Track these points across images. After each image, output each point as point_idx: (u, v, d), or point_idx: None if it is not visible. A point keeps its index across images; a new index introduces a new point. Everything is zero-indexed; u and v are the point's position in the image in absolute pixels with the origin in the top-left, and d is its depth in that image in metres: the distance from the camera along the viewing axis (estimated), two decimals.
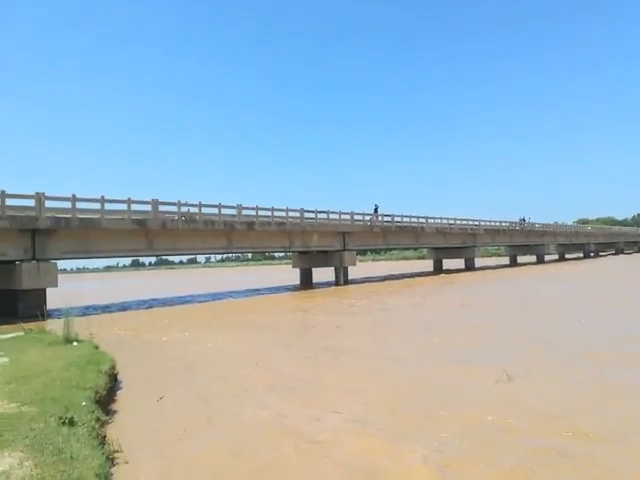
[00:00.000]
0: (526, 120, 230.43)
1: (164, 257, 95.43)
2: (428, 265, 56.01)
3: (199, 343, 13.19)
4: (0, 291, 23.71)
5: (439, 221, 46.79)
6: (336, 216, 36.49)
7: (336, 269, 36.98)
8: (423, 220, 44.74)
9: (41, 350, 10.23)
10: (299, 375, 8.99)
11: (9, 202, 21.57)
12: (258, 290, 34.51)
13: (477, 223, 51.98)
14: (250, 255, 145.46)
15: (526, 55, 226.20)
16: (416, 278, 41.36)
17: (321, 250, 36.56)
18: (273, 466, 5.10)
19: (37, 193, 22.28)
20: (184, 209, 27.49)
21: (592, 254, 78.37)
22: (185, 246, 28.50)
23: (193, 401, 7.65)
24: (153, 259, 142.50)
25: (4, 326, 16.67)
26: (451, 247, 50.32)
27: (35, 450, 4.67)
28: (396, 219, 42.05)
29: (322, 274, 39.78)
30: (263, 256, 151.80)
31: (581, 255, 77.60)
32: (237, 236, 30.43)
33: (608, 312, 15.91)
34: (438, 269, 52.21)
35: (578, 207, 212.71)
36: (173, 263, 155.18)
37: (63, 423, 5.36)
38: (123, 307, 25.94)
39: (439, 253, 52.67)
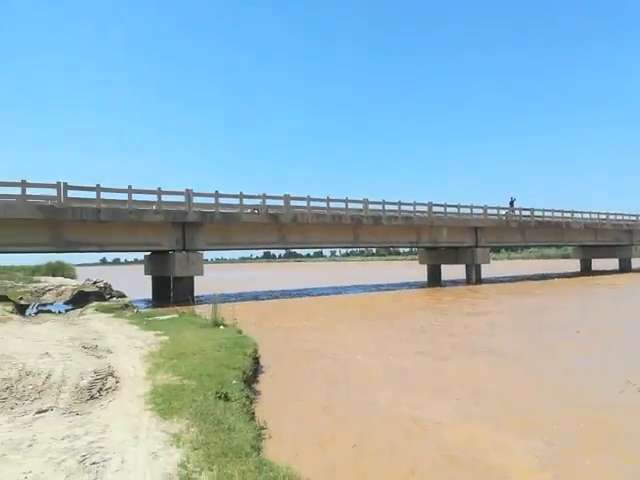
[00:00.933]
0: None
1: (292, 250, 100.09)
2: (574, 265, 50.82)
3: (325, 332, 13.65)
4: (157, 277, 27.01)
5: (587, 216, 42.28)
6: (467, 210, 34.90)
7: (467, 266, 35.35)
8: (568, 215, 40.80)
9: (194, 331, 11.45)
10: (415, 366, 8.86)
11: (165, 198, 24.38)
12: (383, 285, 34.52)
13: (635, 218, 46.02)
14: (374, 250, 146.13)
15: None
16: (560, 279, 37.83)
17: (450, 246, 35.32)
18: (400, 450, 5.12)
19: (187, 190, 24.84)
20: (313, 204, 28.49)
21: None
22: (313, 239, 29.58)
23: (324, 383, 7.97)
24: (283, 252, 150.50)
25: (161, 309, 18.97)
26: (602, 245, 45.18)
27: (198, 419, 5.26)
28: (536, 213, 38.85)
29: (451, 271, 38.30)
30: (387, 251, 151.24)
31: None
32: (363, 231, 30.76)
33: None
34: (586, 269, 47.19)
35: None
36: (301, 256, 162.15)
37: (219, 397, 5.96)
38: (255, 296, 27.81)
39: (587, 252, 47.61)
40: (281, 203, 27.57)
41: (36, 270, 40.76)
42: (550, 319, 15.85)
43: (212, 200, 25.61)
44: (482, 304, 21.22)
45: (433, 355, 10.41)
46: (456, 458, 5.13)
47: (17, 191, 20.72)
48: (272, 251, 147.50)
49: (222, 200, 25.82)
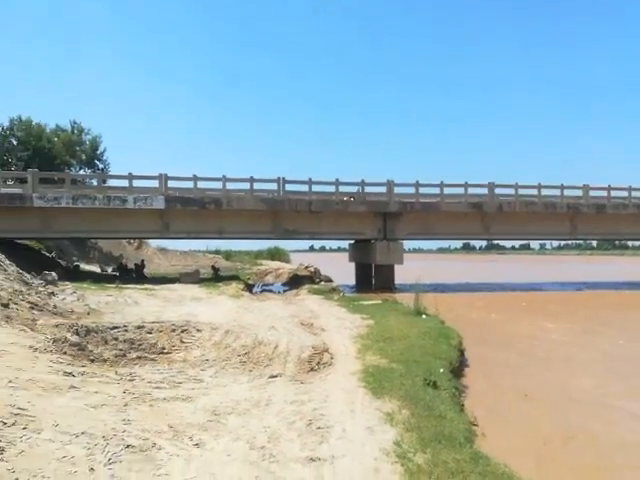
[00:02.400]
0: None
1: (495, 242, 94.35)
2: None
3: (533, 327, 12.51)
4: (360, 265, 28.48)
5: None
6: None
7: None
8: None
9: (396, 318, 11.77)
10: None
11: (368, 189, 25.50)
12: (611, 284, 29.96)
13: None
14: (594, 243, 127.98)
15: None
16: None
17: None
18: None
19: (388, 181, 25.48)
20: (522, 191, 26.29)
21: None
22: (521, 230, 27.32)
23: (534, 380, 7.33)
24: (483, 243, 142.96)
25: (364, 294, 19.96)
26: None
27: (408, 401, 5.41)
28: None
29: None
30: (612, 244, 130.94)
31: None
32: (582, 220, 27.10)
33: None
34: None
35: None
36: (504, 248, 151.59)
37: (427, 384, 6.02)
38: (455, 287, 27.01)
39: None
40: (485, 191, 26.17)
41: (258, 255, 47.11)
42: None
43: (412, 190, 25.78)
44: None
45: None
46: None
47: (246, 186, 24.14)
48: (472, 242, 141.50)
49: (422, 190, 25.78)
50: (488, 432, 5.46)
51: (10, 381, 5.04)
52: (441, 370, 6.83)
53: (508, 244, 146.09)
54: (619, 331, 12.76)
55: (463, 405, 6.04)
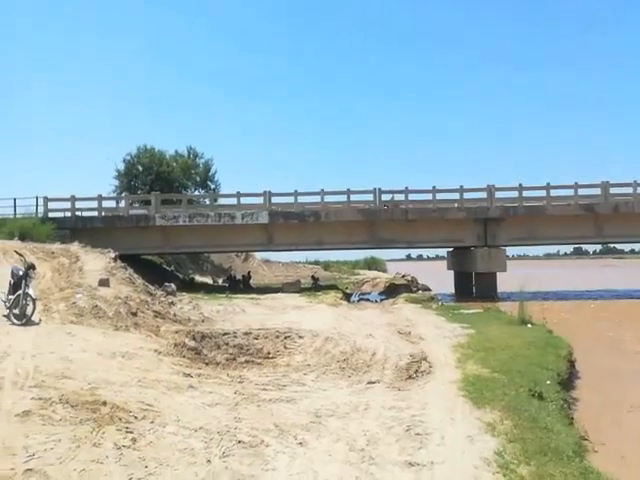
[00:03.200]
0: None
1: (611, 245, 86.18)
2: None
3: None
4: (459, 273, 27.62)
5: None
6: None
7: None
8: None
9: (499, 327, 11.33)
10: None
11: (465, 195, 24.79)
12: None
13: None
14: None
15: None
16: None
17: None
18: None
19: (488, 185, 24.55)
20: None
21: None
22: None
23: None
24: (598, 247, 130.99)
25: (464, 303, 19.35)
26: None
27: (511, 412, 5.27)
28: None
29: None
30: None
31: None
32: None
33: None
34: None
35: None
36: (622, 252, 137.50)
37: (532, 395, 5.80)
38: (562, 295, 25.04)
39: None
40: (597, 192, 24.15)
41: (355, 264, 47.61)
42: None
43: (515, 194, 24.60)
44: None
45: None
46: None
47: (343, 198, 24.70)
48: (584, 246, 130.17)
49: (525, 193, 24.49)
50: (600, 447, 5.14)
51: (139, 380, 5.76)
52: (548, 381, 6.51)
53: (627, 247, 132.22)
54: None
55: (572, 418, 5.71)
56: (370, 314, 14.81)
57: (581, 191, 24.25)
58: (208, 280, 29.81)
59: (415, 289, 23.85)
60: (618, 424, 6.08)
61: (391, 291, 24.32)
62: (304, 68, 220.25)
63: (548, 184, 24.21)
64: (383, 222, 24.73)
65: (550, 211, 23.96)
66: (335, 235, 24.92)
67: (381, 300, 22.00)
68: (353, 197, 24.78)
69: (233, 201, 25.12)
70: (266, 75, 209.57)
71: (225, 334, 8.85)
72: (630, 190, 24.03)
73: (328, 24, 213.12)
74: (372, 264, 46.94)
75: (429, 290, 23.63)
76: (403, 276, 28.53)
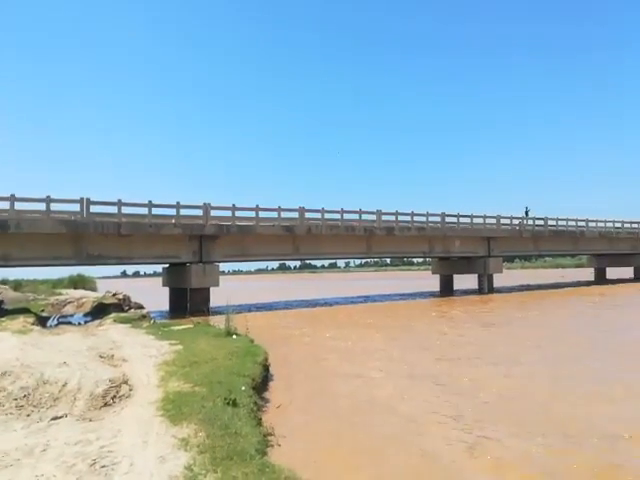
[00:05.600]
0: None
1: (307, 261, 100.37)
2: (588, 274, 50.09)
3: (336, 340, 13.77)
4: (174, 289, 27.41)
5: (602, 224, 41.71)
6: (480, 220, 34.72)
7: (480, 276, 35.18)
8: (583, 223, 40.31)
9: (207, 340, 11.67)
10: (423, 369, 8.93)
11: (182, 212, 24.89)
12: (393, 296, 34.48)
13: None
14: (389, 260, 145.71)
15: None
16: (576, 288, 37.38)
17: (463, 256, 35.15)
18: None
19: (204, 204, 25.30)
20: (327, 215, 28.71)
21: None
22: (327, 250, 29.73)
23: (332, 391, 8.09)
24: (298, 263, 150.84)
25: (177, 319, 19.28)
26: (617, 254, 44.42)
27: (206, 424, 5.44)
28: (550, 222, 38.50)
29: (464, 282, 38.08)
30: (402, 261, 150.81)
31: None
32: (376, 241, 30.84)
33: None
34: (600, 278, 46.48)
35: None
36: (315, 267, 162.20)
37: (227, 404, 6.13)
38: (269, 306, 27.97)
39: (602, 260, 46.81)
40: (296, 215, 27.86)
41: (58, 283, 41.66)
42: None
43: (229, 213, 26.05)
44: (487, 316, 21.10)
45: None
46: None
47: (42, 207, 21.37)
48: (287, 262, 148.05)
49: (238, 213, 26.25)
50: (283, 442, 5.80)
51: None
52: (243, 387, 7.02)
53: (319, 263, 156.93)
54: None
55: (261, 419, 6.29)
56: (69, 339, 13.14)
57: (283, 214, 27.56)
58: None
59: (127, 308, 22.42)
60: (300, 419, 6.99)
61: (100, 311, 22.18)
62: None
63: (257, 206, 26.58)
64: (92, 236, 22.53)
65: (259, 230, 26.34)
66: (29, 249, 21.33)
67: (86, 322, 19.82)
68: (55, 206, 21.76)
69: None
70: None
71: None
72: (319, 215, 28.61)
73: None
74: (79, 282, 41.92)
75: (142, 308, 22.59)
76: (114, 294, 26.44)
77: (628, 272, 46.26)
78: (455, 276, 38.17)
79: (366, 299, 31.79)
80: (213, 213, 25.79)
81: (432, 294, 34.93)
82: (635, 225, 44.27)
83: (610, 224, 42.22)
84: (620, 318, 18.95)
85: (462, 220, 33.92)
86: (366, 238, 30.30)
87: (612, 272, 47.08)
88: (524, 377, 9.18)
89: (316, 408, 7.51)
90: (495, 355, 11.49)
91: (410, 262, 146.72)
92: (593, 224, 41.00)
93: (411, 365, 10.50)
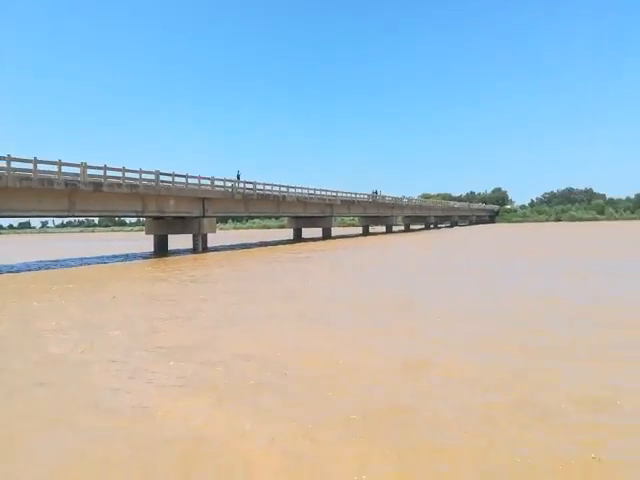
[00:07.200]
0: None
1: None
2: (288, 233, 57.34)
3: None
4: None
5: (300, 191, 47.81)
6: (195, 180, 34.93)
7: (194, 236, 35.80)
8: (284, 189, 45.27)
9: None
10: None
11: None
12: (101, 257, 31.96)
13: (334, 194, 54.34)
14: (97, 220, 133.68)
15: None
16: (277, 246, 42.08)
17: (178, 216, 34.95)
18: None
19: None
20: (16, 164, 23.86)
21: (432, 226, 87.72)
22: (16, 207, 24.90)
23: None
24: None
25: None
26: (310, 216, 52.00)
27: None
28: (258, 187, 41.83)
29: (179, 241, 38.20)
30: (113, 222, 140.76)
31: (423, 226, 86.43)
32: (81, 198, 27.47)
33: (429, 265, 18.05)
34: (297, 237, 53.83)
35: (421, 183, 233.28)
36: (1, 227, 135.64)
37: None
38: None
39: (299, 222, 54.12)
40: None
41: None
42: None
43: None
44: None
45: None
46: None
47: None
48: None
49: None
50: None
51: None
52: None
53: (5, 222, 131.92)
54: None
55: None
56: None
57: None
58: None
59: None
60: None
61: None
62: None
63: None
64: None
65: None
66: None
67: None
68: None
69: None
70: None
71: None
72: (4, 164, 23.50)
73: None
74: None
75: None
76: None
77: (318, 232, 54.92)
78: (170, 236, 37.86)
79: (55, 263, 28.23)
80: None
81: (146, 255, 33.70)
82: (324, 192, 52.45)
83: (305, 191, 48.78)
84: (313, 268, 22.23)
85: (177, 180, 33.47)
86: (68, 194, 26.59)
87: (307, 232, 55.07)
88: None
89: None
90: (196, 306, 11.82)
91: (122, 222, 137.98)
92: (293, 190, 46.58)
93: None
